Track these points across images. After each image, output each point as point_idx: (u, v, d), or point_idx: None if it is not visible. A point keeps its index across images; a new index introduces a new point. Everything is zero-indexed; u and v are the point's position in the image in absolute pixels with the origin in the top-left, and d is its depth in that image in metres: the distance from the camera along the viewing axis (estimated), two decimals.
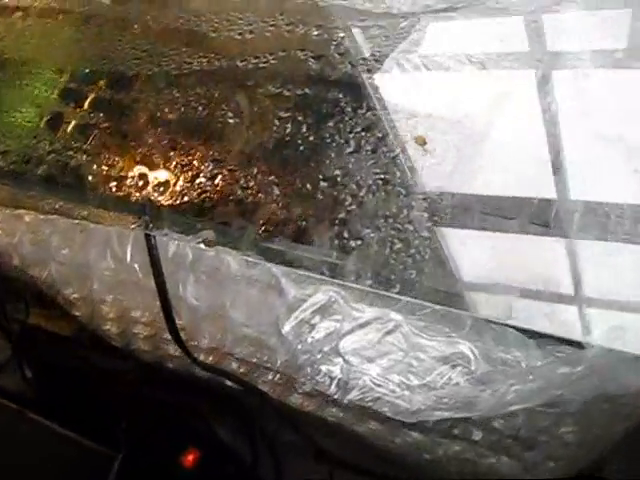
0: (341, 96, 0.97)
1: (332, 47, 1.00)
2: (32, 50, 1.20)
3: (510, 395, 0.83)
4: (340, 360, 0.91)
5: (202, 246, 0.92)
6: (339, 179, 0.92)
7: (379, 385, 0.89)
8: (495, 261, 0.87)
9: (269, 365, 0.98)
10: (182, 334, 1.04)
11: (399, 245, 0.87)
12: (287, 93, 0.99)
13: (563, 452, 1.01)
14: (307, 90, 0.98)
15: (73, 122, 1.11)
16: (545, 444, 0.99)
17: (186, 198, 0.98)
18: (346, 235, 0.89)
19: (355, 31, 1.00)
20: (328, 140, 0.94)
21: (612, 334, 0.78)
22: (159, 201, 1.00)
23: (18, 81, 1.18)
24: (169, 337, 1.15)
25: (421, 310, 0.89)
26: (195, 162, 1.00)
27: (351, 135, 0.94)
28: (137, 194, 1.01)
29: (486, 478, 1.07)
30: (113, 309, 1.15)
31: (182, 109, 1.04)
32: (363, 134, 0.94)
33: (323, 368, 0.92)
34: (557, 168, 0.87)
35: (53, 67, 1.17)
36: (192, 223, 0.96)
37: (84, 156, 1.07)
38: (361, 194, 0.90)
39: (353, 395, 0.91)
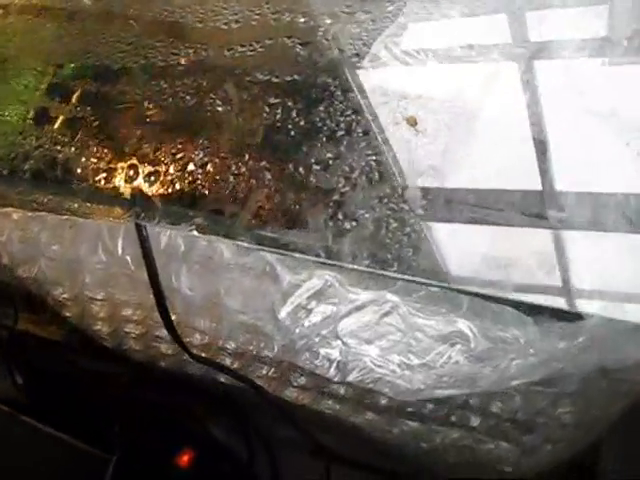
0: (330, 81, 0.97)
1: (319, 33, 1.00)
2: (15, 47, 1.19)
3: (511, 370, 0.83)
4: (338, 343, 0.90)
5: (195, 233, 0.92)
6: (331, 162, 0.92)
7: (379, 366, 0.88)
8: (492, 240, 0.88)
9: (266, 352, 0.98)
10: (176, 328, 1.03)
11: (395, 224, 0.86)
12: (276, 80, 0.99)
13: (561, 434, 1.01)
14: (296, 76, 0.98)
15: (60, 117, 1.10)
16: (543, 426, 1.00)
17: (177, 187, 0.98)
18: (340, 217, 0.88)
19: (342, 17, 1.00)
20: (319, 124, 0.94)
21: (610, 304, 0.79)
22: (150, 192, 0.99)
23: (2, 78, 1.17)
24: (161, 334, 1.14)
25: (418, 292, 0.89)
26: (185, 151, 0.99)
27: (341, 119, 0.94)
28: (127, 186, 1.01)
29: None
30: (104, 308, 1.14)
31: (170, 100, 1.03)
32: (354, 117, 0.93)
33: (322, 351, 0.91)
34: (544, 143, 0.87)
35: (37, 63, 1.16)
36: (184, 212, 0.96)
37: (72, 150, 1.06)
38: (354, 176, 0.90)
39: (353, 377, 0.90)
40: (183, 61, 1.05)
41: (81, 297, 1.13)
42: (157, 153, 1.01)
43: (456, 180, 0.88)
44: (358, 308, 0.89)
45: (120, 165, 1.02)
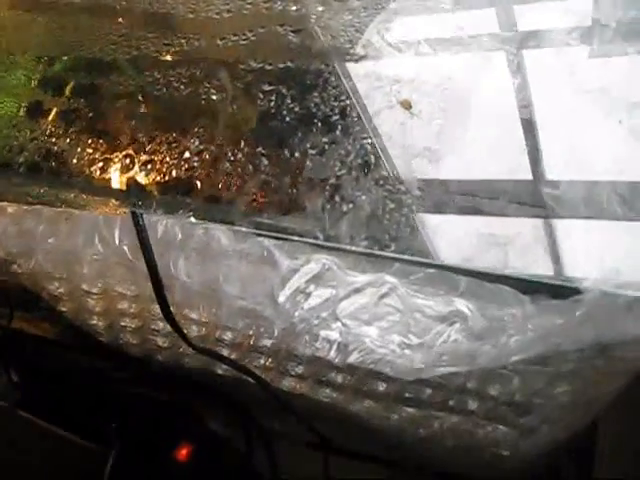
0: (323, 67, 0.97)
1: (311, 21, 1.00)
2: (7, 41, 1.19)
3: (510, 346, 0.83)
4: (338, 324, 0.91)
5: (192, 220, 0.92)
6: (326, 147, 0.92)
7: (379, 346, 0.89)
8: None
9: (266, 337, 0.98)
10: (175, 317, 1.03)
11: (391, 206, 0.87)
12: (269, 67, 0.99)
13: (558, 414, 1.01)
14: (289, 63, 0.99)
15: (54, 110, 1.10)
16: (540, 407, 1.00)
17: (173, 175, 0.98)
18: (337, 200, 0.89)
19: (333, 4, 1.00)
20: (313, 110, 0.94)
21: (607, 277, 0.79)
22: (146, 181, 0.99)
23: None
24: (158, 327, 1.14)
25: (415, 274, 0.90)
26: (180, 140, 1.00)
27: (335, 104, 0.94)
28: (123, 176, 1.01)
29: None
30: (100, 302, 1.14)
31: (164, 90, 1.03)
32: (348, 102, 0.94)
33: (322, 333, 0.92)
34: (535, 123, 0.88)
35: (30, 57, 1.16)
36: (180, 200, 0.96)
37: (67, 142, 1.06)
38: (350, 159, 0.91)
39: (354, 358, 0.91)
40: (176, 51, 1.05)
41: (77, 291, 1.13)
42: (152, 143, 1.01)
43: (451, 161, 0.89)
44: (357, 290, 0.90)
45: (115, 155, 1.03)
